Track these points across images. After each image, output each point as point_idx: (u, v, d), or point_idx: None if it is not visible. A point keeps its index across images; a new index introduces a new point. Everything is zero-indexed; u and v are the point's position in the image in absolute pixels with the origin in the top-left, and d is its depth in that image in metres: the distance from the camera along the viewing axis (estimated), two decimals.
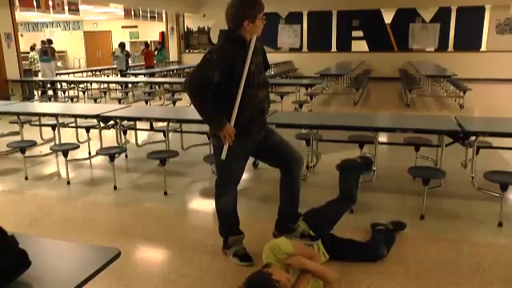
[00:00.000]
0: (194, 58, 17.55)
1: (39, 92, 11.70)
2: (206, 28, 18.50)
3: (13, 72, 9.88)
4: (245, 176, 4.90)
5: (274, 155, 2.91)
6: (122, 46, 14.11)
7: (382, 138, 5.71)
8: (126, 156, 5.61)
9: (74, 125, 6.03)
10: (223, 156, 2.67)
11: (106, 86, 12.00)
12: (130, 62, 15.14)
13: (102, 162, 5.46)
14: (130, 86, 11.22)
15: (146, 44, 14.95)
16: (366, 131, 4.44)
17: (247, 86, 2.63)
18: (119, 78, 13.12)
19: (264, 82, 2.84)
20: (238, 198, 4.26)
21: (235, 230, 3.00)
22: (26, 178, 4.86)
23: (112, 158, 4.49)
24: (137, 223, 3.69)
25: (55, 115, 5.35)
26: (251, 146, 2.82)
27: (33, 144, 5.17)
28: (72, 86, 11.67)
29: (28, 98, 10.06)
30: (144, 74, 12.94)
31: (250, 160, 5.14)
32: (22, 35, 15.58)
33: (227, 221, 3.00)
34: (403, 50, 16.07)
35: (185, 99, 10.16)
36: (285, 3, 15.93)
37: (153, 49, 15.98)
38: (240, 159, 2.84)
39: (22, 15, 13.17)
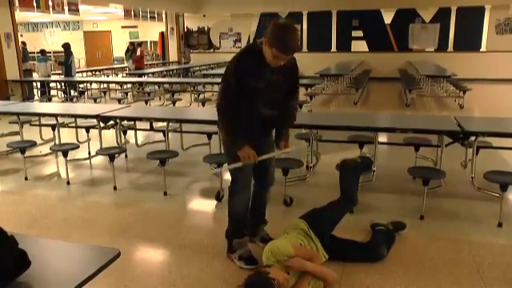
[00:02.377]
0: (193, 58, 17.57)
1: (39, 92, 11.68)
2: (206, 28, 18.51)
3: (12, 72, 9.88)
4: None
5: (259, 167, 2.90)
6: (66, 47, 12.17)
7: (382, 138, 5.71)
8: (126, 156, 5.61)
9: (73, 125, 6.03)
10: (230, 166, 2.74)
11: (105, 85, 12.00)
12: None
13: (101, 162, 5.46)
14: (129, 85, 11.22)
15: (140, 44, 14.57)
16: (365, 131, 4.44)
17: (252, 100, 2.65)
18: (119, 78, 13.13)
19: (274, 102, 2.76)
20: None
21: (241, 232, 2.98)
22: (26, 178, 4.86)
23: (112, 158, 4.49)
24: (137, 223, 3.69)
25: (55, 115, 5.35)
26: (254, 146, 2.80)
27: (33, 144, 5.17)
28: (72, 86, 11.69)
29: (28, 98, 10.06)
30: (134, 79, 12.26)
31: None
32: (21, 35, 15.56)
33: (236, 223, 2.96)
34: (403, 50, 16.07)
35: (185, 99, 10.19)
36: (285, 3, 15.94)
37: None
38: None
39: (21, 15, 13.16)
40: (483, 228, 3.47)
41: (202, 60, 16.95)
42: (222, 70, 12.78)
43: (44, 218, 3.86)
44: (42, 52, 12.54)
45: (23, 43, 12.53)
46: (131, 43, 14.39)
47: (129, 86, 11.53)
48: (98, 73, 14.88)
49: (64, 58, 12.28)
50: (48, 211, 4.01)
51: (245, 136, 2.68)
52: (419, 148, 4.69)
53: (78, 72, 14.50)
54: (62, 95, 11.71)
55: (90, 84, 11.81)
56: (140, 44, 14.52)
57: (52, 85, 11.97)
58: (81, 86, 11.87)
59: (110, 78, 14.10)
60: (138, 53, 13.70)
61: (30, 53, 12.74)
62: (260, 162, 2.79)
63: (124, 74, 14.60)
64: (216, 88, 10.99)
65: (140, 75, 12.46)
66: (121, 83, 11.87)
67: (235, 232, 2.97)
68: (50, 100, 10.52)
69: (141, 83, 11.50)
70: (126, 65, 14.54)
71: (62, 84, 11.69)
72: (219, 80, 9.21)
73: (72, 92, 11.55)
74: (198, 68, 15.17)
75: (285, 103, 2.82)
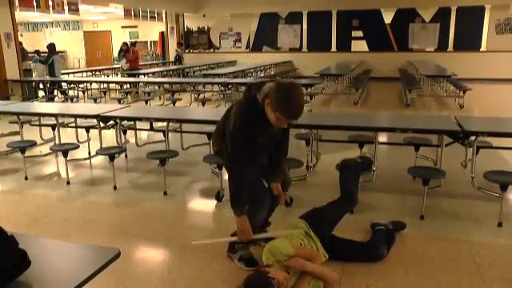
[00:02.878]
0: (193, 58, 17.57)
1: (56, 92, 11.58)
2: (206, 28, 18.51)
3: (12, 72, 9.87)
4: None
5: None
6: (50, 47, 11.89)
7: (382, 137, 5.71)
8: (126, 156, 5.61)
9: (73, 125, 6.03)
10: (196, 242, 2.99)
11: (105, 85, 12.00)
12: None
13: (101, 161, 5.46)
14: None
15: (134, 43, 14.00)
16: (365, 131, 4.44)
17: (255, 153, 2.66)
18: (119, 78, 13.11)
19: (265, 146, 2.75)
20: None
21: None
22: (26, 178, 4.86)
23: (112, 157, 4.49)
24: (137, 223, 3.69)
25: (55, 115, 5.35)
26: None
27: (33, 144, 5.17)
28: (72, 85, 11.68)
29: (28, 98, 10.05)
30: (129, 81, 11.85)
31: None
32: (21, 35, 15.58)
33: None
34: (403, 50, 16.06)
35: (185, 99, 10.19)
36: (285, 3, 15.94)
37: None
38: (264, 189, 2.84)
39: (21, 15, 13.16)
40: (483, 228, 3.47)
41: (202, 60, 16.95)
42: (221, 70, 12.81)
43: (44, 217, 3.86)
44: (37, 52, 12.56)
45: (20, 43, 12.52)
46: (124, 43, 13.75)
47: (129, 86, 11.53)
48: (98, 73, 14.87)
49: (46, 57, 12.06)
50: (48, 211, 4.01)
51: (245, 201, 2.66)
52: (419, 148, 4.69)
53: (77, 72, 14.50)
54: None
55: (90, 84, 11.80)
56: (134, 44, 14.01)
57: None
58: (81, 86, 11.85)
59: (110, 78, 14.09)
60: (132, 53, 13.24)
61: (30, 53, 12.72)
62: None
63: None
64: (216, 88, 11.00)
65: (133, 76, 12.21)
66: (107, 83, 11.87)
67: None
68: (52, 100, 10.51)
69: (135, 84, 11.42)
70: (119, 65, 13.96)
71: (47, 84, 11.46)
72: (219, 80, 9.25)
73: (56, 92, 11.46)
74: (198, 68, 15.17)
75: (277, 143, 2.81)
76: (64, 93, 11.55)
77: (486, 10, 15.15)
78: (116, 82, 12.17)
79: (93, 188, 4.66)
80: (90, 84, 11.80)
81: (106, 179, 4.84)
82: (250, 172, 2.65)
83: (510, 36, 15.15)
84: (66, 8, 11.10)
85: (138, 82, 11.46)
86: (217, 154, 2.90)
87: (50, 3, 10.45)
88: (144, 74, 12.71)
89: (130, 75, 12.48)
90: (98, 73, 14.88)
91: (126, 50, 13.18)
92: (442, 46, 15.79)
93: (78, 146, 5.07)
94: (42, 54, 12.57)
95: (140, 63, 14.38)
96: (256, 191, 2.76)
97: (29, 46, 15.72)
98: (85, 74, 14.59)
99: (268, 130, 2.60)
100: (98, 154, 4.95)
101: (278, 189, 2.84)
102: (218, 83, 10.05)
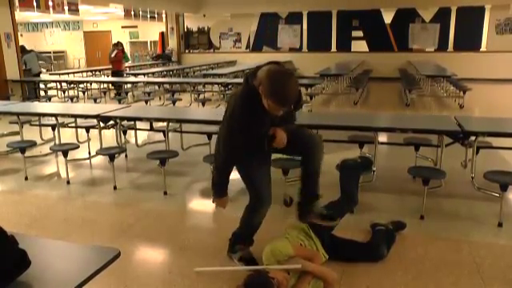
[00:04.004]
0: (193, 58, 17.58)
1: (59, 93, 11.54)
2: (206, 28, 18.51)
3: (12, 72, 9.87)
4: None
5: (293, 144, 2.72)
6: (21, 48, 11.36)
7: (382, 137, 5.70)
8: (126, 156, 5.61)
9: (73, 125, 6.03)
10: (198, 269, 2.80)
11: (105, 86, 12.00)
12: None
13: (101, 161, 5.45)
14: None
15: (117, 44, 12.90)
16: (365, 131, 4.44)
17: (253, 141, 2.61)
18: (119, 78, 13.10)
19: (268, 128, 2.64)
20: (237, 199, 4.27)
21: (249, 240, 2.96)
22: (26, 178, 4.86)
23: (112, 157, 4.49)
24: (137, 223, 3.69)
25: (55, 115, 5.35)
26: (265, 154, 2.78)
27: (33, 144, 5.17)
28: (72, 85, 11.68)
29: (28, 98, 10.05)
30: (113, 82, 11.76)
31: None
32: (21, 35, 15.58)
33: (248, 231, 2.94)
34: (403, 50, 16.06)
35: (185, 99, 10.18)
36: (285, 3, 15.93)
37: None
38: (260, 169, 2.79)
39: (21, 15, 13.17)
40: (483, 228, 3.47)
41: (202, 60, 16.95)
42: (221, 70, 12.80)
43: (44, 217, 3.86)
44: (23, 47, 12.65)
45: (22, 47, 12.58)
46: (117, 42, 13.18)
47: (129, 86, 11.54)
48: (98, 73, 14.87)
49: None
50: (48, 211, 4.01)
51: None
52: (419, 148, 4.69)
53: (77, 72, 14.49)
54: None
55: (90, 84, 11.80)
56: (117, 44, 12.95)
57: (52, 85, 11.97)
58: (81, 86, 11.86)
59: (110, 78, 14.05)
60: (114, 54, 12.47)
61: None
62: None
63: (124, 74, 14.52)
64: (216, 88, 11.00)
65: (117, 78, 11.77)
66: (108, 83, 11.86)
67: (244, 238, 2.95)
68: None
69: (118, 88, 11.30)
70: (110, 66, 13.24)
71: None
72: (219, 80, 9.24)
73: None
74: (198, 68, 15.17)
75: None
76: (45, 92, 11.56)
77: (486, 10, 15.15)
78: (116, 82, 12.15)
79: (93, 188, 4.66)
80: (90, 84, 11.80)
81: (106, 179, 4.84)
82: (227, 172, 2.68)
83: (509, 36, 15.16)
84: (66, 8, 11.09)
85: (137, 82, 11.46)
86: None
87: (50, 3, 10.44)
88: (144, 75, 12.71)
89: (115, 76, 11.96)
90: (97, 73, 14.88)
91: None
92: (442, 46, 15.79)
93: (78, 146, 5.07)
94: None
95: (125, 65, 13.61)
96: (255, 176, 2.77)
97: (29, 46, 15.76)
98: (85, 73, 14.60)
99: (265, 119, 2.52)
100: (97, 154, 4.95)
101: (277, 133, 2.58)
102: (217, 83, 10.05)
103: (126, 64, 14.43)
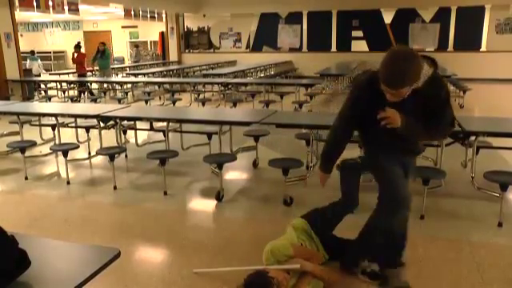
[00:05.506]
0: (193, 58, 17.58)
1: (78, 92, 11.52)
2: (206, 28, 18.50)
3: (12, 72, 9.87)
4: (245, 176, 4.93)
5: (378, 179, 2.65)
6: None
7: None
8: (126, 156, 5.61)
9: (73, 125, 6.03)
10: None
11: (105, 86, 12.01)
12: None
13: (101, 161, 5.46)
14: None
15: (77, 45, 12.18)
16: None
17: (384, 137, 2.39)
18: (119, 78, 13.11)
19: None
20: (238, 198, 4.27)
21: (398, 259, 2.65)
22: (26, 178, 4.86)
23: (112, 157, 4.49)
24: (137, 223, 3.69)
25: (55, 115, 5.35)
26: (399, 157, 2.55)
27: (33, 144, 5.17)
28: (72, 85, 11.69)
29: (28, 98, 10.06)
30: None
31: (250, 159, 5.19)
32: (21, 35, 15.62)
33: (389, 245, 2.63)
34: None
35: (185, 99, 10.18)
36: (285, 3, 15.93)
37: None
38: (395, 168, 2.51)
39: (21, 15, 13.18)
40: (483, 228, 3.47)
41: (202, 60, 16.95)
42: (221, 70, 12.80)
43: (44, 217, 3.86)
44: (32, 52, 13.22)
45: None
46: (102, 43, 12.32)
47: (129, 86, 11.54)
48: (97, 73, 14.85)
49: None
50: (48, 211, 4.01)
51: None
52: None
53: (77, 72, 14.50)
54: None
55: (90, 84, 11.79)
56: (78, 45, 12.14)
57: (52, 85, 11.97)
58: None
59: (110, 78, 14.06)
60: (76, 56, 11.93)
61: (25, 53, 12.99)
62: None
63: (124, 74, 14.54)
64: (216, 88, 11.00)
65: (82, 81, 11.38)
66: (107, 83, 11.84)
67: (388, 258, 2.66)
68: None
69: (84, 84, 11.29)
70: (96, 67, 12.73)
71: None
72: (219, 80, 9.23)
73: None
74: (198, 68, 15.17)
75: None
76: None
77: (486, 9, 15.15)
78: (116, 82, 12.16)
79: (93, 188, 4.66)
80: (90, 84, 11.79)
81: (106, 179, 4.84)
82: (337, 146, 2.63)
83: (510, 36, 15.15)
84: (66, 8, 11.09)
85: (137, 82, 11.46)
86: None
87: (50, 3, 10.44)
88: (144, 74, 12.71)
89: (79, 80, 11.55)
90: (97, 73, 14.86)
91: (102, 50, 12.07)
92: (442, 46, 15.78)
93: (78, 146, 5.08)
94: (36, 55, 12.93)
95: (88, 68, 13.03)
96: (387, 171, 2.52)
97: (29, 46, 15.84)
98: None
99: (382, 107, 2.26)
100: (98, 154, 4.95)
101: (390, 113, 2.25)
102: (217, 83, 10.05)
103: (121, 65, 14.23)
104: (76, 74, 12.42)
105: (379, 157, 2.55)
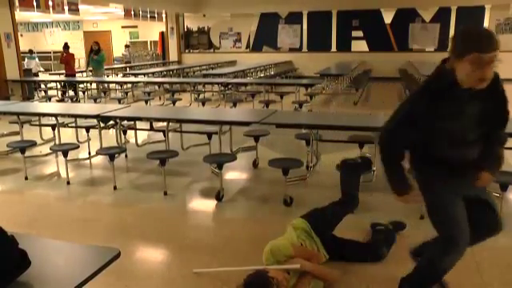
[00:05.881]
0: (193, 58, 17.58)
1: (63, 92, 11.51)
2: (206, 28, 18.51)
3: (12, 72, 9.87)
4: (245, 176, 4.93)
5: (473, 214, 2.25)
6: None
7: None
8: (126, 156, 5.61)
9: (73, 125, 6.03)
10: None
11: (105, 85, 12.00)
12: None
13: (101, 161, 5.46)
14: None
15: (65, 46, 11.72)
16: (365, 131, 4.43)
17: (448, 147, 2.10)
18: (119, 78, 13.12)
19: (479, 137, 2.11)
20: (238, 198, 4.27)
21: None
22: (26, 178, 4.86)
23: (112, 157, 4.49)
24: (137, 223, 3.69)
25: (55, 115, 5.35)
26: (461, 183, 2.19)
27: (33, 144, 5.17)
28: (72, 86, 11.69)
29: (28, 98, 10.05)
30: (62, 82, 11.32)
31: (250, 159, 5.20)
32: (21, 35, 15.63)
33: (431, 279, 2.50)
34: (403, 50, 16.06)
35: (185, 99, 10.18)
36: (285, 3, 15.93)
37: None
38: (452, 199, 2.21)
39: (21, 15, 13.19)
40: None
41: (202, 60, 16.95)
42: (221, 70, 12.81)
43: (44, 217, 3.86)
44: (31, 51, 13.66)
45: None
46: (96, 42, 11.91)
47: (129, 85, 11.53)
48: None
49: None
50: (48, 211, 4.01)
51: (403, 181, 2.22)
52: None
53: (78, 72, 14.48)
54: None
55: (90, 84, 11.80)
56: (66, 45, 11.68)
57: (52, 84, 11.98)
58: (81, 86, 11.88)
59: (110, 78, 14.07)
60: (64, 56, 11.61)
61: (24, 53, 13.05)
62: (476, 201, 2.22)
63: (122, 75, 14.55)
64: (216, 88, 11.00)
65: (71, 82, 11.17)
66: (107, 83, 11.84)
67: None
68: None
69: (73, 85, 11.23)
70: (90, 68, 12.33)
71: None
72: (219, 80, 9.23)
73: None
74: (198, 68, 15.18)
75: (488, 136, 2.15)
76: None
77: (486, 10, 15.15)
78: (116, 82, 12.16)
79: (93, 188, 4.66)
80: (90, 84, 11.80)
81: (106, 179, 4.84)
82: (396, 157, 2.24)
83: (510, 36, 15.15)
84: (66, 8, 11.10)
85: (137, 82, 11.46)
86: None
87: (50, 3, 10.45)
88: (144, 74, 12.71)
89: (68, 81, 11.31)
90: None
91: (96, 50, 11.72)
92: (442, 46, 15.78)
93: (78, 146, 5.08)
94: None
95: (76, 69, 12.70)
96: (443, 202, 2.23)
97: (29, 46, 15.88)
98: (84, 74, 14.57)
99: (458, 109, 2.02)
100: (98, 154, 4.95)
101: (484, 179, 2.14)
102: (217, 83, 10.05)
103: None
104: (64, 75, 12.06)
105: (447, 185, 2.18)
